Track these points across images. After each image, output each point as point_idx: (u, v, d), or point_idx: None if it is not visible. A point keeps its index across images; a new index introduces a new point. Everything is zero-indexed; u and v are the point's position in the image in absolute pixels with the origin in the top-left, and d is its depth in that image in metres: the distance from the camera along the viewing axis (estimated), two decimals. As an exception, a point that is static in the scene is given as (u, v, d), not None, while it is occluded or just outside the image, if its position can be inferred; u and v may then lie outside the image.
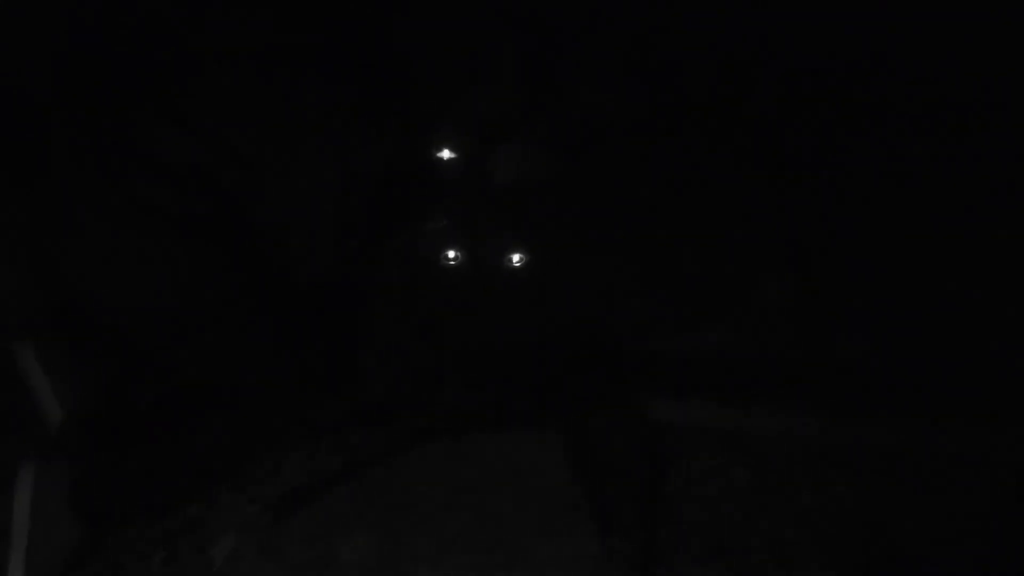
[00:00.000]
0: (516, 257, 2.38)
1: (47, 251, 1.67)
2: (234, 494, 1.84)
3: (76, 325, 1.75)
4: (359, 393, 2.13)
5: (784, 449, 2.05)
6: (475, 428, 1.98)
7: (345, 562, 1.67)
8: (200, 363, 1.81)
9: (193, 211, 1.72)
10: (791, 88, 2.46)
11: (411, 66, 1.90)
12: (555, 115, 2.34)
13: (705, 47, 2.40)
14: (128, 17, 1.80)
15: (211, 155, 1.69)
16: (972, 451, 1.95)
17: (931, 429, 2.01)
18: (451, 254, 2.35)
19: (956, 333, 2.21)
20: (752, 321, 2.35)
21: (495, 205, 2.30)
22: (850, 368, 2.22)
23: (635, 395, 2.15)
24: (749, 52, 2.41)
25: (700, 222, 2.47)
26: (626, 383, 2.21)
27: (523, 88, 2.20)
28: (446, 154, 2.14)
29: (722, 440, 2.07)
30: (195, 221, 1.73)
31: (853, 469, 1.99)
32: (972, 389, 2.05)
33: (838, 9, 2.31)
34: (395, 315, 2.35)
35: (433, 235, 2.30)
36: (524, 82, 2.20)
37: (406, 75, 1.90)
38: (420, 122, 1.95)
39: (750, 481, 1.97)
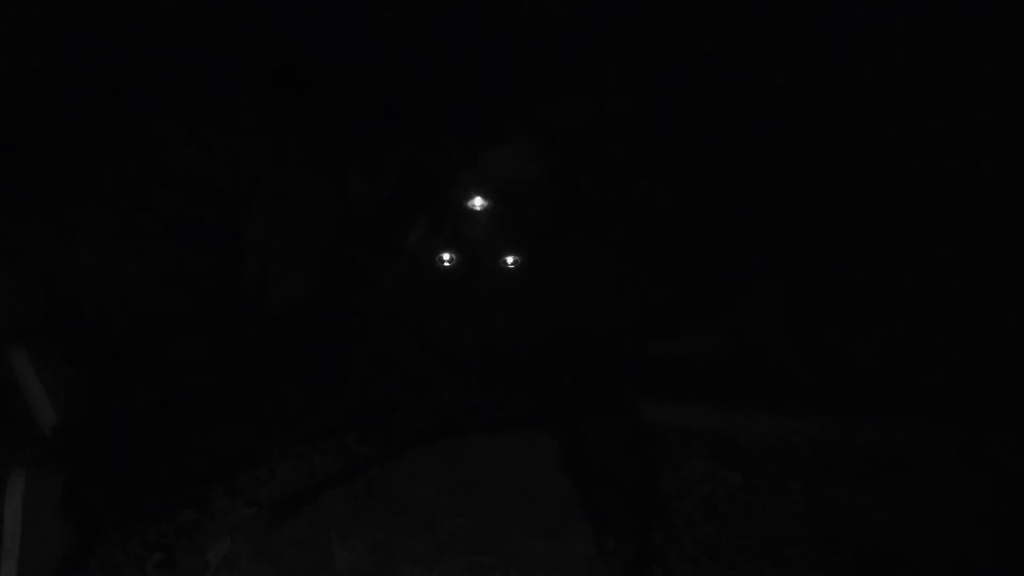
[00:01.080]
0: (511, 259, 2.39)
1: (41, 253, 1.65)
2: (229, 497, 1.84)
3: (69, 329, 1.74)
4: (354, 395, 2.13)
5: (778, 451, 2.06)
6: (470, 430, 1.98)
7: (341, 564, 1.67)
8: (195, 366, 1.81)
9: (190, 215, 1.71)
10: (784, 94, 2.48)
11: (407, 70, 1.90)
12: (550, 117, 2.35)
13: (698, 51, 2.41)
14: (135, 17, 1.80)
15: (212, 159, 1.67)
16: (969, 452, 1.96)
17: (925, 431, 2.03)
18: (446, 256, 2.35)
19: (950, 335, 2.23)
20: (746, 324, 2.36)
21: (490, 207, 2.30)
22: (843, 370, 2.24)
23: (630, 397, 2.16)
24: (742, 57, 2.43)
25: (695, 226, 2.49)
26: (621, 385, 2.21)
27: (518, 90, 2.20)
28: (442, 158, 2.14)
29: (716, 442, 2.09)
30: (192, 226, 1.71)
31: (847, 471, 2.00)
32: (968, 391, 2.07)
33: (833, 14, 2.32)
34: (390, 317, 2.35)
35: (429, 237, 2.30)
36: (519, 84, 2.20)
37: (402, 79, 1.89)
38: (415, 126, 1.94)
39: (744, 482, 1.98)
